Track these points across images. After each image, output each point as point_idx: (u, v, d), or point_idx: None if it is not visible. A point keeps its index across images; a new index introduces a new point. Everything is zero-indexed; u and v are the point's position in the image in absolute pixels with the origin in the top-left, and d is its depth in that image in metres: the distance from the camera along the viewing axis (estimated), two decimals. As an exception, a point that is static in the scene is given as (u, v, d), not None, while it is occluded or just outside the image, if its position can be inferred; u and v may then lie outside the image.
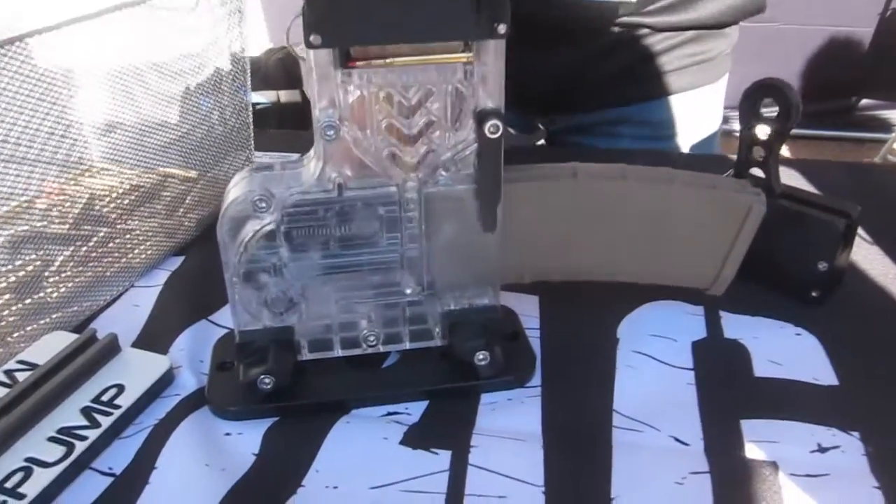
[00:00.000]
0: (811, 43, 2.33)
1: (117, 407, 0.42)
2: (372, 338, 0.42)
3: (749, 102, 0.49)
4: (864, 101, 2.46)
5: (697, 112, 0.80)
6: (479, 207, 0.40)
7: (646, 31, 0.73)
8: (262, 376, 0.39)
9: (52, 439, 0.40)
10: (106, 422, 0.41)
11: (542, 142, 0.78)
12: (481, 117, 0.37)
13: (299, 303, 0.40)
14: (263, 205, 0.37)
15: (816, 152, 2.42)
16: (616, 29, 0.73)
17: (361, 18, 0.34)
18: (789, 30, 2.25)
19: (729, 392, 0.43)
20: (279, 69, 1.70)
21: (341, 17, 0.33)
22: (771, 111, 0.49)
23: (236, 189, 0.37)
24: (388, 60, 0.36)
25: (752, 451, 0.39)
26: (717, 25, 0.75)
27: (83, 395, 0.43)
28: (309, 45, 0.33)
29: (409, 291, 0.42)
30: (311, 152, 0.38)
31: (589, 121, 0.80)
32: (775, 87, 0.48)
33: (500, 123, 0.37)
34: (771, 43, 2.10)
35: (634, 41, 0.73)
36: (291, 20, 0.40)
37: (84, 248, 0.54)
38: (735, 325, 0.49)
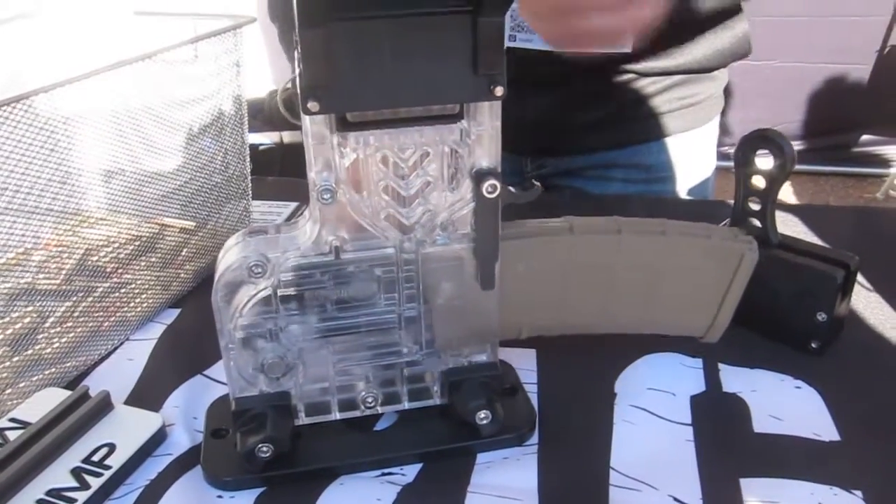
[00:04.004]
0: (811, 80, 2.36)
1: (108, 467, 0.41)
2: (370, 399, 0.41)
3: (744, 153, 0.49)
4: (865, 137, 2.48)
5: (689, 155, 0.80)
6: (477, 266, 0.40)
7: (631, 76, 0.74)
8: (261, 445, 0.39)
9: (40, 502, 0.39)
10: (96, 483, 0.40)
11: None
12: (479, 177, 0.37)
13: (296, 367, 0.39)
14: (259, 270, 0.37)
15: (818, 188, 2.43)
16: (601, 74, 0.73)
17: (359, 84, 0.34)
18: (789, 68, 2.27)
19: (728, 449, 0.43)
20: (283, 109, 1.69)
21: (339, 84, 0.33)
22: (766, 157, 0.49)
23: (230, 255, 0.37)
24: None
25: (752, 513, 0.39)
26: (703, 70, 0.76)
27: (74, 455, 0.42)
28: (307, 112, 0.33)
29: (407, 351, 0.41)
30: (307, 214, 0.38)
31: (579, 164, 0.80)
32: (769, 138, 0.48)
33: (497, 183, 0.37)
34: (772, 81, 2.12)
35: (620, 86, 0.74)
36: (284, 83, 0.40)
37: (83, 304, 0.53)
38: (734, 378, 0.48)
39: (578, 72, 0.72)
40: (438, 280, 0.40)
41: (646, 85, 0.74)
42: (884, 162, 2.47)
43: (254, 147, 1.82)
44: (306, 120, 0.35)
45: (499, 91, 0.35)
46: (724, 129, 0.85)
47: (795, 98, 2.37)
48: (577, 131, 0.77)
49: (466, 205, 0.39)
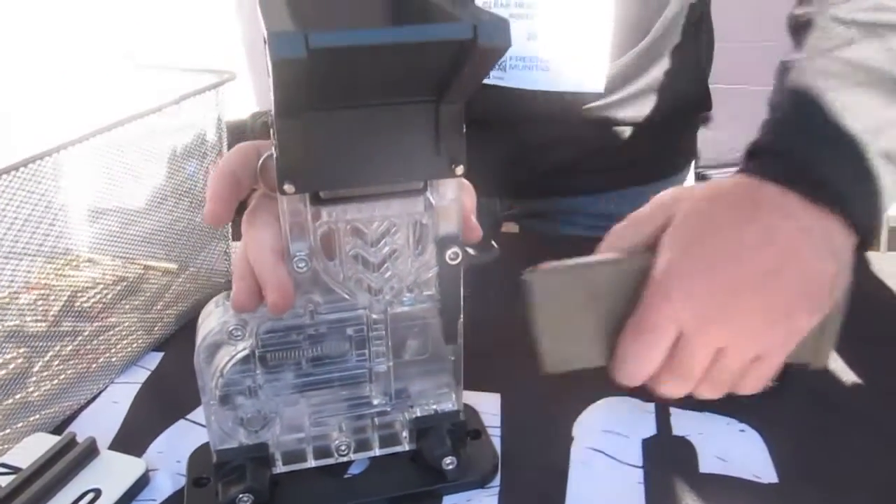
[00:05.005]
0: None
1: (94, 513, 0.44)
2: (343, 447, 0.44)
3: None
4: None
5: None
6: (441, 324, 0.43)
7: (599, 124, 0.75)
8: (241, 495, 0.41)
9: (31, 548, 0.42)
10: (84, 529, 0.43)
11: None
12: (442, 245, 0.41)
13: (273, 419, 0.42)
14: (238, 333, 0.40)
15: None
16: (568, 120, 0.75)
17: (331, 166, 0.37)
18: (761, 92, 2.32)
19: (674, 490, 0.46)
20: (265, 133, 1.71)
21: (312, 166, 0.36)
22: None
23: (211, 319, 0.40)
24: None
25: (693, 554, 0.42)
26: (663, 122, 0.77)
27: (62, 501, 0.45)
28: (283, 193, 0.36)
29: (377, 402, 0.44)
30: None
31: (544, 208, 0.83)
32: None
33: (459, 251, 0.41)
34: (743, 104, 2.17)
35: (590, 134, 0.76)
36: (262, 158, 0.42)
37: (70, 347, 0.56)
38: (684, 422, 0.52)
39: (547, 115, 0.74)
40: (405, 337, 0.43)
41: (611, 135, 0.77)
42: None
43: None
44: (282, 196, 0.38)
45: (459, 170, 0.38)
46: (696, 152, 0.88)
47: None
48: (543, 176, 0.79)
49: (431, 268, 0.42)
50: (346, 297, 0.41)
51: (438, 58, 0.31)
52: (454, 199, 0.40)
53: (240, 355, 0.40)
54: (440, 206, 0.40)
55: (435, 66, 0.31)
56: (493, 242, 0.45)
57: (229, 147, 0.67)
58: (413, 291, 0.42)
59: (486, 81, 0.72)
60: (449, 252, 0.41)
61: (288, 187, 0.36)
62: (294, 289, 0.39)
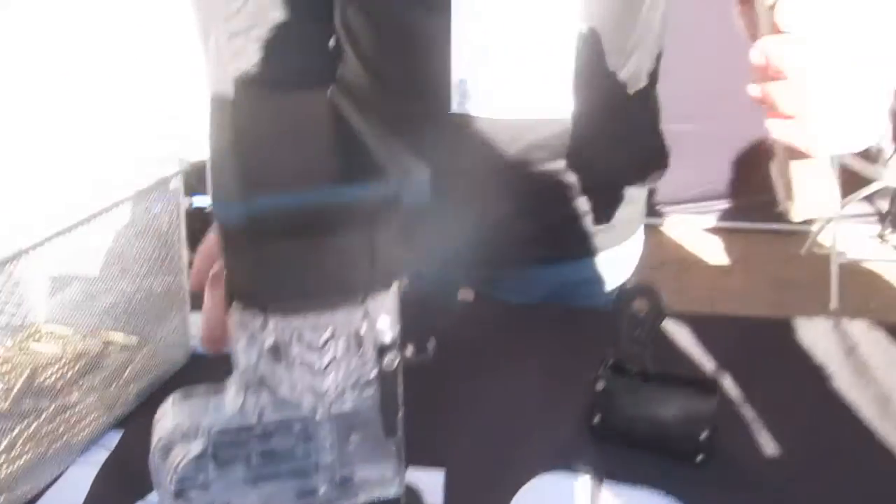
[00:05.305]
0: (735, 142, 2.48)
1: None
2: (291, 533, 0.47)
3: (624, 304, 0.57)
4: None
5: (608, 270, 0.86)
6: (381, 419, 0.46)
7: (562, 190, 0.78)
8: (192, 587, 0.44)
9: None
10: None
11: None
12: (381, 351, 0.44)
13: (225, 511, 0.45)
14: (192, 433, 0.43)
15: (746, 243, 2.56)
16: (535, 182, 0.76)
17: (275, 287, 0.40)
18: (711, 130, 2.39)
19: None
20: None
21: (258, 288, 0.40)
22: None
23: (166, 420, 0.43)
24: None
25: None
26: (620, 184, 0.81)
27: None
28: (230, 308, 0.40)
29: (322, 491, 0.47)
30: (232, 381, 0.44)
31: (500, 276, 0.86)
32: (647, 290, 0.56)
33: (396, 357, 0.44)
34: (695, 144, 2.22)
35: (551, 201, 0.79)
36: (214, 268, 0.46)
37: (33, 426, 0.58)
38: (615, 496, 0.55)
39: (510, 174, 0.74)
40: (349, 432, 0.46)
41: (572, 202, 0.79)
42: (807, 220, 2.61)
43: (201, 209, 1.84)
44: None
45: (395, 285, 0.42)
46: (649, 190, 0.90)
47: (718, 159, 2.51)
48: (501, 248, 0.80)
49: (371, 370, 0.45)
50: (293, 399, 0.44)
51: (367, 210, 0.35)
52: (391, 309, 0.44)
53: (193, 454, 0.43)
54: (378, 316, 0.44)
55: (365, 215, 0.35)
56: (427, 344, 0.47)
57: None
58: (355, 391, 0.46)
59: (459, 111, 0.71)
60: (387, 359, 0.44)
61: (236, 305, 0.40)
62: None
